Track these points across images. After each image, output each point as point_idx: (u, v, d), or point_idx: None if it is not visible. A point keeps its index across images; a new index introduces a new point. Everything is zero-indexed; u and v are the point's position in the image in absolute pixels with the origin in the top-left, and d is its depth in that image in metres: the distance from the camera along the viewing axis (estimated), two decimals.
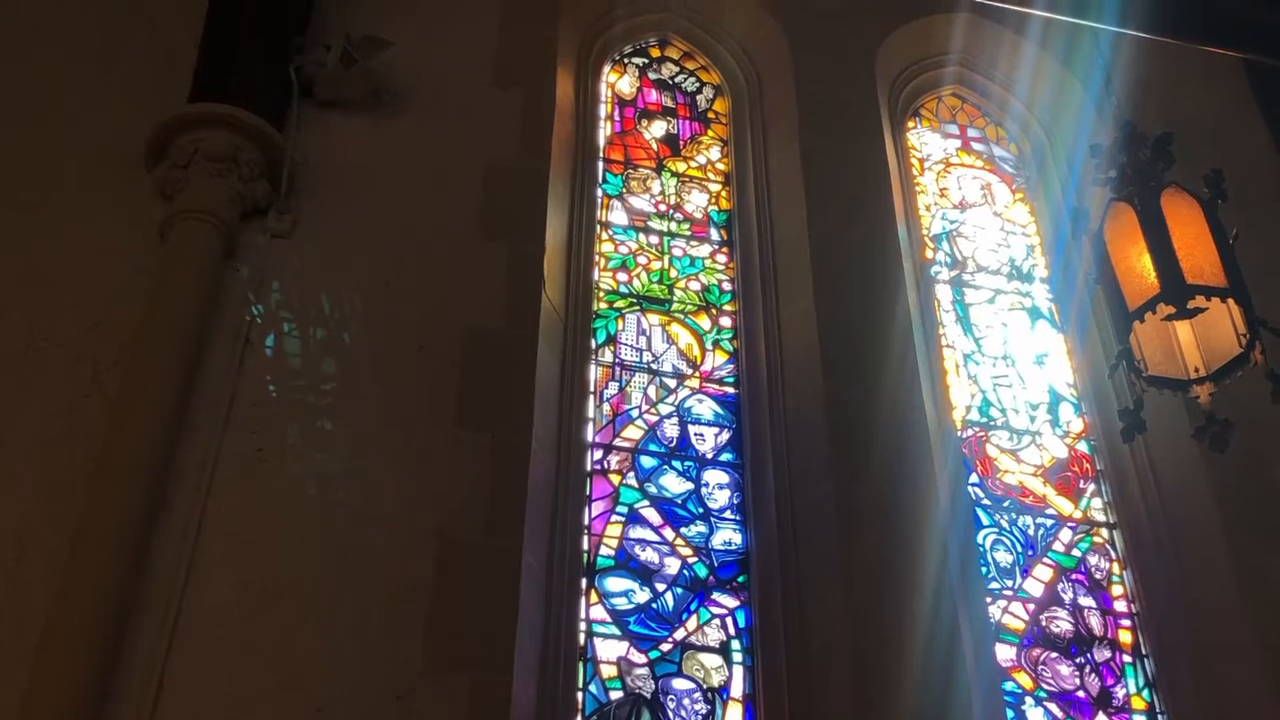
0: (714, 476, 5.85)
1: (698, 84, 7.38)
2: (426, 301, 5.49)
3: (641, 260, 6.54)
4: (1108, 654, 5.63)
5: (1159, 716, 5.47)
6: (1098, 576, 5.88)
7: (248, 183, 5.48)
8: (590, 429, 5.82)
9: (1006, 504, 6.03)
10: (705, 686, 5.20)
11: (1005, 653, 5.51)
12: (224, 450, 4.90)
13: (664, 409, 6.03)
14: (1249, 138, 7.19)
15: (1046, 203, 7.16)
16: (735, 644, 5.33)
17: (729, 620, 5.40)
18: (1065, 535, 5.98)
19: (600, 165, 6.80)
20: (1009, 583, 5.75)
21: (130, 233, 5.44)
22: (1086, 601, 5.78)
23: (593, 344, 6.10)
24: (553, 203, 6.09)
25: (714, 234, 6.76)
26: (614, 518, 5.61)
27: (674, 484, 5.79)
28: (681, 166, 7.00)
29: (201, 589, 4.59)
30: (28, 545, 4.60)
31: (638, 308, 6.35)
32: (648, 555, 5.52)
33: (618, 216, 6.68)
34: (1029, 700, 5.41)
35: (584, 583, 5.34)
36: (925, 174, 7.23)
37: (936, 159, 7.34)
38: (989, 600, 5.61)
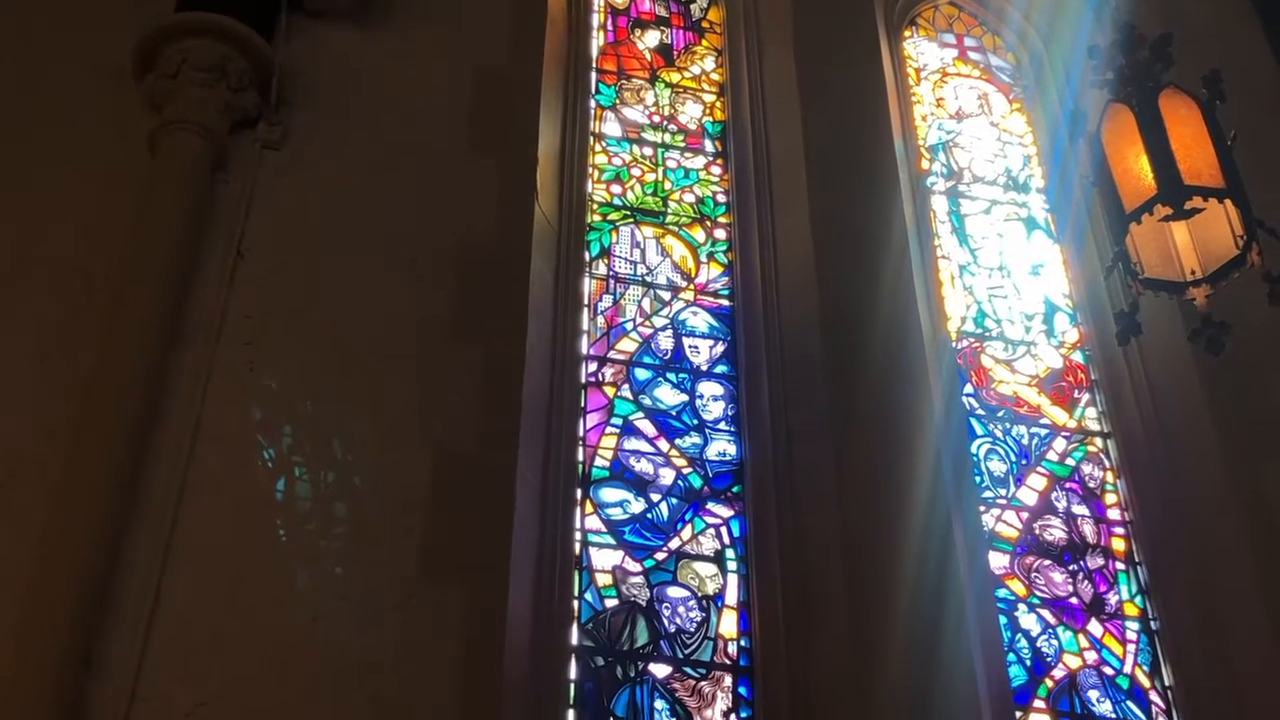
0: (708, 388, 5.85)
1: None
2: (418, 213, 5.44)
3: (635, 172, 6.50)
4: (1100, 561, 5.66)
5: (1152, 622, 5.51)
6: (1091, 485, 5.89)
7: (237, 93, 5.41)
8: (584, 342, 5.82)
9: (1001, 414, 6.04)
10: (700, 594, 5.23)
11: (999, 560, 5.54)
12: (217, 362, 4.88)
13: (658, 321, 6.03)
14: (1247, 45, 7.09)
15: (1043, 112, 7.10)
16: (730, 553, 5.36)
17: (723, 529, 5.43)
18: (1059, 444, 5.99)
19: (593, 76, 6.74)
20: (1003, 492, 5.77)
21: (119, 145, 5.38)
22: (1080, 510, 5.80)
23: (586, 256, 6.08)
24: (545, 114, 6.03)
25: (708, 145, 6.71)
26: (609, 429, 5.62)
27: (668, 396, 5.79)
28: (675, 77, 6.94)
29: (196, 501, 4.58)
30: (20, 463, 4.58)
31: (632, 220, 6.33)
32: (642, 466, 5.54)
33: (611, 128, 6.63)
34: (1022, 607, 5.45)
35: (579, 493, 5.36)
36: (921, 84, 7.16)
37: (933, 69, 7.27)
38: (982, 509, 5.64)
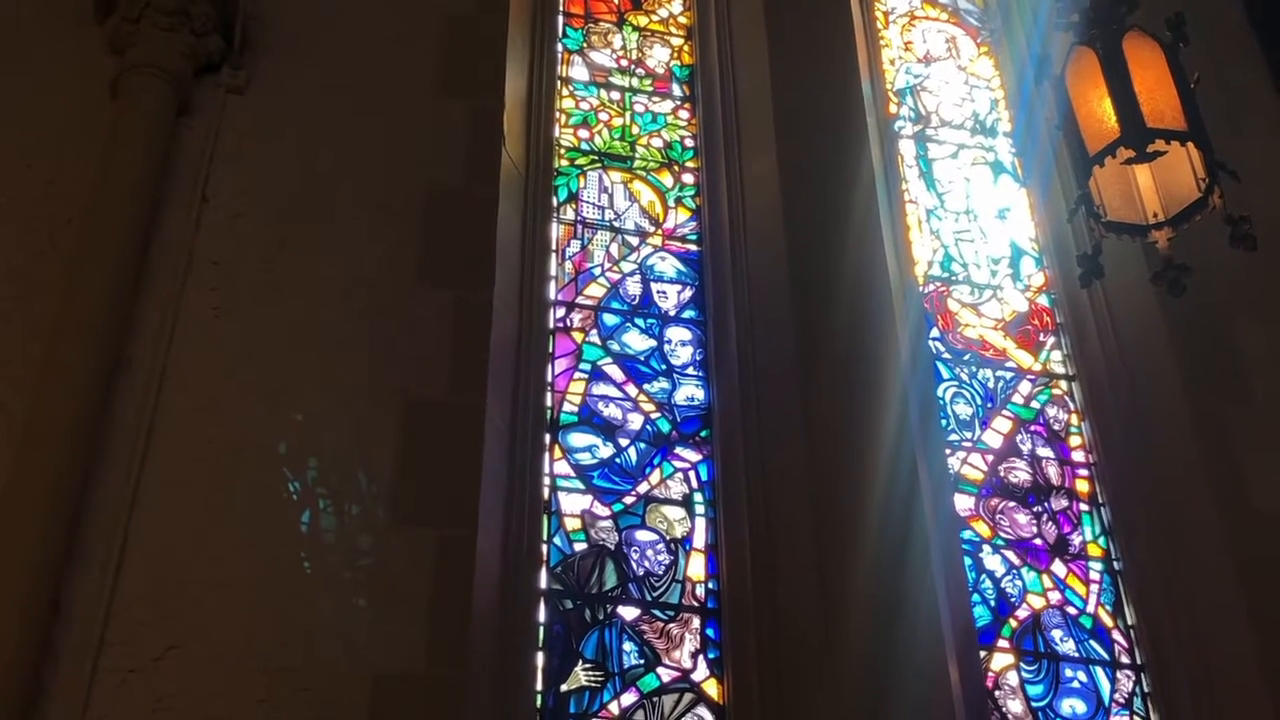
0: (676, 333, 5.86)
1: None
2: (385, 158, 5.42)
3: (603, 117, 6.47)
4: (1065, 503, 5.71)
5: (1115, 563, 5.57)
6: (1056, 428, 5.94)
7: (200, 37, 5.36)
8: (552, 287, 5.81)
9: (967, 357, 6.07)
10: (668, 538, 5.27)
11: (964, 502, 5.59)
12: (183, 308, 4.86)
13: (626, 266, 6.02)
14: None
15: (1011, 56, 7.09)
16: (698, 496, 5.39)
17: (691, 474, 5.46)
18: (1024, 387, 6.03)
19: (560, 19, 6.69)
20: (968, 434, 5.81)
21: (82, 89, 5.33)
22: (1045, 452, 5.84)
23: (554, 201, 6.06)
24: (512, 58, 5.99)
25: (676, 89, 6.69)
26: (577, 375, 5.63)
27: (637, 341, 5.81)
28: (643, 20, 6.90)
29: (163, 446, 4.58)
30: None
31: (599, 165, 6.31)
32: (611, 411, 5.56)
33: (578, 72, 6.60)
34: (986, 548, 5.50)
35: (547, 438, 5.38)
36: (889, 27, 7.14)
37: (901, 12, 7.25)
38: (948, 452, 5.68)
